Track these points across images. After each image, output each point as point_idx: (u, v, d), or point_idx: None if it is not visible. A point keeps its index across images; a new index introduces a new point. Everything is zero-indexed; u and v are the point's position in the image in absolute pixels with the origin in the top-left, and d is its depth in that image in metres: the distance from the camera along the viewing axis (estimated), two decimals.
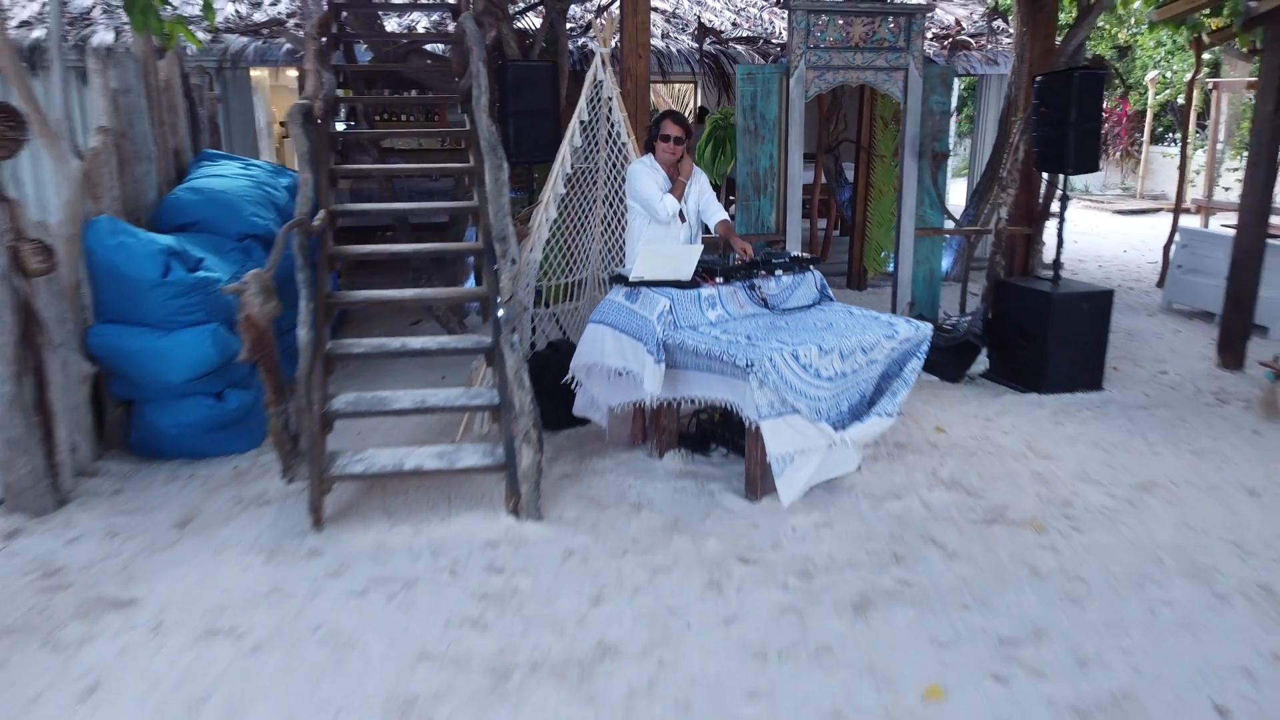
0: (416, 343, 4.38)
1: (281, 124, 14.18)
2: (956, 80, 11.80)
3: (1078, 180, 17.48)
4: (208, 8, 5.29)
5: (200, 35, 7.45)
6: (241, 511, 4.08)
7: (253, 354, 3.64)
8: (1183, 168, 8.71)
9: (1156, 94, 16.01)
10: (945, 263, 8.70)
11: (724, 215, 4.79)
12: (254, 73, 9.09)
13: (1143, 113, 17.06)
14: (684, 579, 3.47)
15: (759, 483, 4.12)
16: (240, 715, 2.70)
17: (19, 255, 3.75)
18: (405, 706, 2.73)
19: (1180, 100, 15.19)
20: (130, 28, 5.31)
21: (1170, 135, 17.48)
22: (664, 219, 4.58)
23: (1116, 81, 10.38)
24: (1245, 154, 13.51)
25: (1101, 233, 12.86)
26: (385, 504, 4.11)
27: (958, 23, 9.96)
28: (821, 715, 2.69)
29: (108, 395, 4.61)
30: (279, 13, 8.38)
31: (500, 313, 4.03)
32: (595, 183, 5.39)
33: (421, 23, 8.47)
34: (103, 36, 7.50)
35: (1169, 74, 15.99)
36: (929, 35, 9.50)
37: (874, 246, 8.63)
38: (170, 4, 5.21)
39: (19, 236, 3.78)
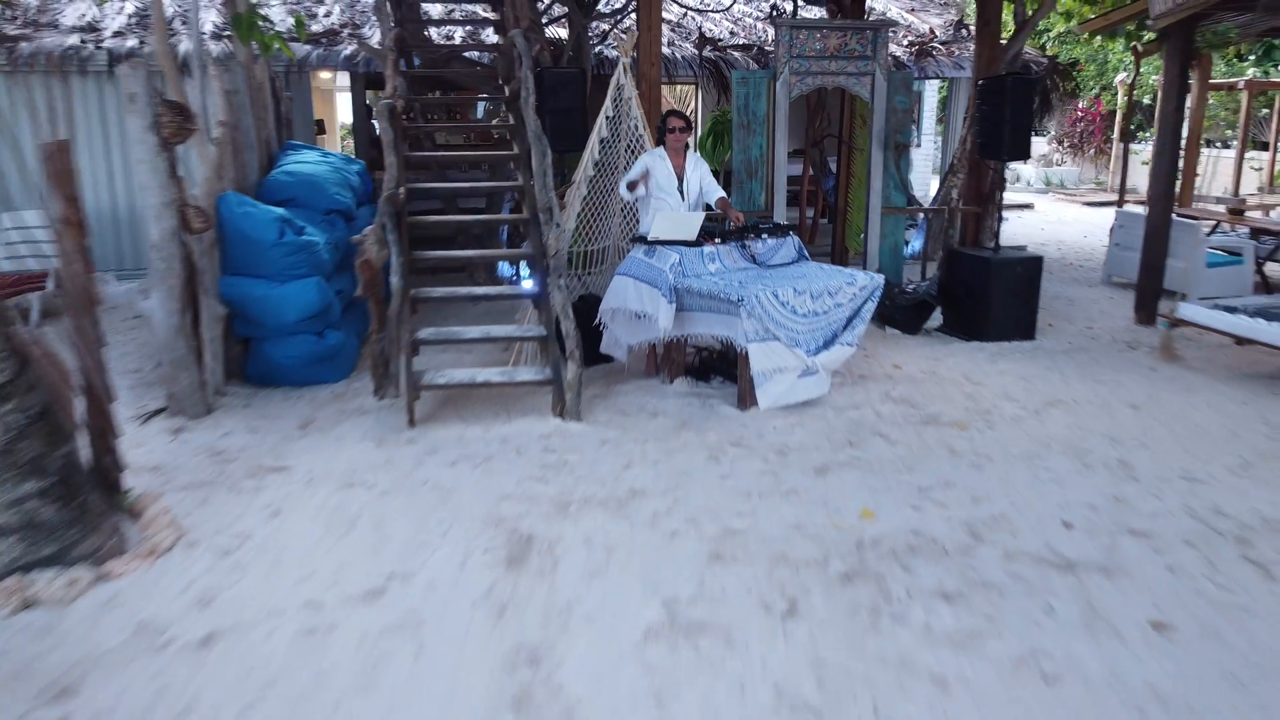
0: (479, 290, 5.57)
1: (315, 122, 15.38)
2: (938, 83, 12.99)
3: (1053, 174, 18.70)
4: (299, 25, 6.49)
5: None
6: (347, 419, 5.27)
7: (367, 290, 4.82)
8: (1125, 161, 9.89)
9: (1125, 95, 17.19)
10: (917, 244, 9.90)
11: (722, 193, 5.98)
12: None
13: (1115, 112, 18.26)
14: (691, 455, 4.66)
15: (748, 397, 5.30)
16: (384, 527, 3.89)
17: (186, 217, 4.94)
18: (497, 522, 3.92)
19: (1147, 100, 16.40)
20: (235, 39, 6.48)
21: (1140, 133, 18.65)
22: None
23: (1072, 83, 11.53)
24: (1199, 148, 14.65)
25: (1068, 221, 14.06)
26: (458, 413, 5.30)
27: (931, 31, 11.15)
28: (787, 525, 3.88)
29: (230, 334, 5.79)
30: (332, 24, 9.56)
31: (550, 263, 5.22)
32: (617, 167, 6.56)
33: (457, 33, 9.65)
34: (185, 45, 8.67)
35: (1138, 75, 17.16)
36: (904, 43, 10.69)
37: (854, 228, 9.78)
38: (270, 22, 6.39)
39: (185, 203, 4.97)
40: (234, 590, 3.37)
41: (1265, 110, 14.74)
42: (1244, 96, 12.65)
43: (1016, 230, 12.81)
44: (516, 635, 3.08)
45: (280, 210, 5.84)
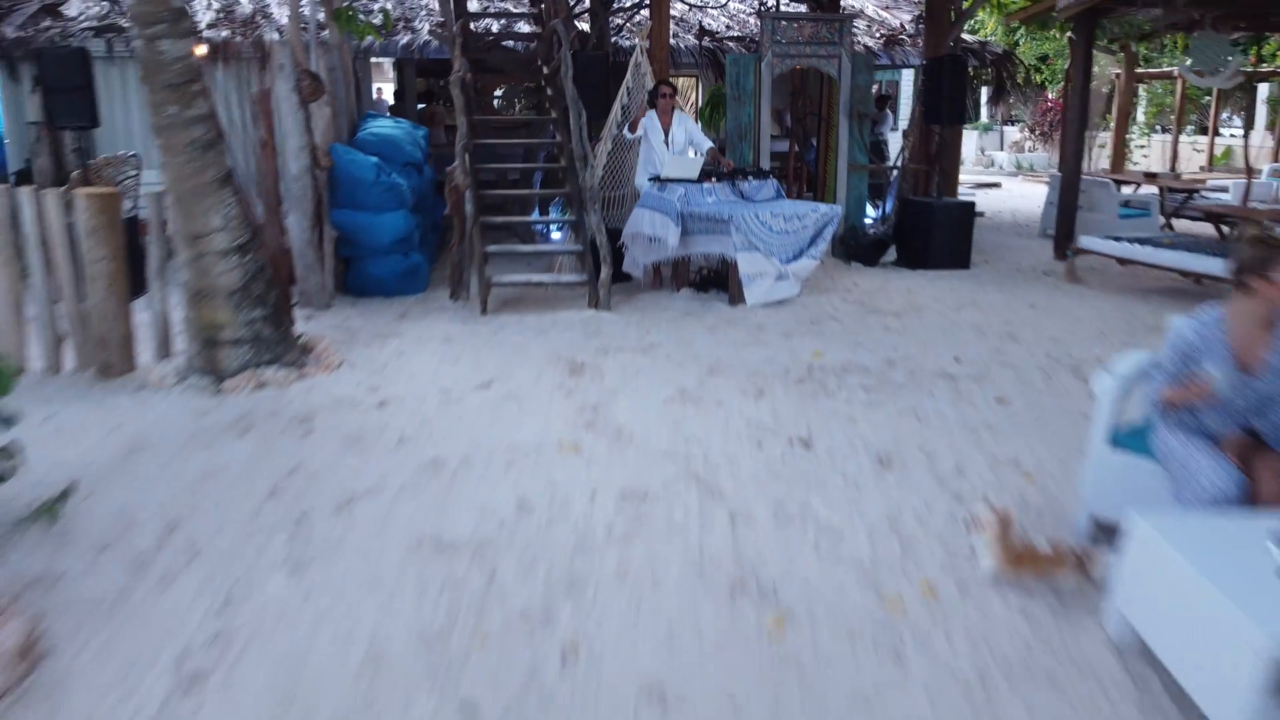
0: (529, 219, 7.24)
1: None
2: (912, 72, 14.66)
3: (1024, 159, 20.40)
4: (387, 20, 8.18)
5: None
6: (432, 313, 6.95)
7: (453, 210, 6.50)
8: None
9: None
10: (887, 205, 11.58)
11: (710, 144, 7.69)
12: None
13: None
14: (693, 329, 6.35)
15: (737, 295, 6.99)
16: (480, 361, 5.57)
17: (317, 156, 6.63)
18: (558, 358, 5.60)
19: (1105, 90, 18.08)
20: (335, 28, 8.16)
21: (1101, 120, 20.34)
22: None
23: (1037, 75, 13.22)
24: (1149, 133, 16.44)
25: (1028, 196, 15.73)
26: (516, 308, 6.99)
27: (901, 25, 12.84)
28: (761, 359, 5.57)
29: (336, 255, 7.46)
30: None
31: (586, 195, 6.91)
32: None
33: (493, 25, 11.34)
34: (270, 35, 10.35)
35: (1097, 66, 18.87)
36: (877, 35, 12.39)
37: (830, 193, 11.48)
38: (364, 15, 8.08)
39: (314, 147, 6.66)
40: (390, 385, 5.06)
41: (1208, 98, 16.39)
42: (1179, 84, 14.33)
43: (981, 204, 14.47)
44: (581, 400, 4.78)
45: (375, 158, 7.53)
